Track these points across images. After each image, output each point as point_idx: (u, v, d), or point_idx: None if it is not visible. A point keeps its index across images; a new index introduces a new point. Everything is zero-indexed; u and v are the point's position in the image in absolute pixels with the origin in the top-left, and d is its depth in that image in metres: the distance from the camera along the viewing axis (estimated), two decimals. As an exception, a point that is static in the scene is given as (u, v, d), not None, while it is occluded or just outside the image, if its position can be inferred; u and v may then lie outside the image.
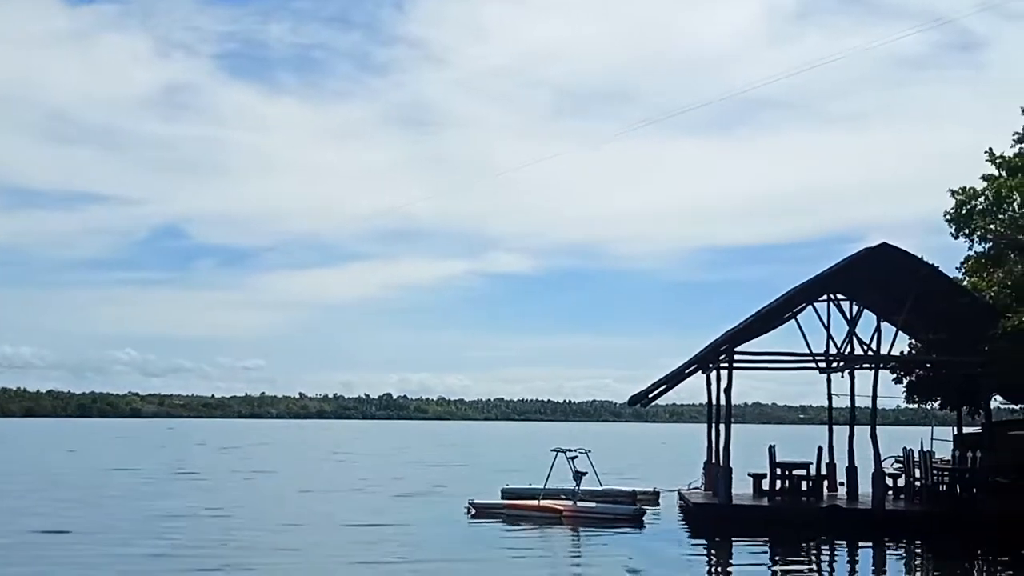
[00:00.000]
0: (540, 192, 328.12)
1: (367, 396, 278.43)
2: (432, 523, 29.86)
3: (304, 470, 57.05)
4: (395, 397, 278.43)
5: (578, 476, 30.78)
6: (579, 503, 30.27)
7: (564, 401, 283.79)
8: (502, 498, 33.14)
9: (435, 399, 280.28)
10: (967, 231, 34.29)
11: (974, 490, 29.26)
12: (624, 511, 30.39)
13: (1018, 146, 33.39)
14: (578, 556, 24.83)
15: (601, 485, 33.15)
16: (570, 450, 31.39)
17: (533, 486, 32.72)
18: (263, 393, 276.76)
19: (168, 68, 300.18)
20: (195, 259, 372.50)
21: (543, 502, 30.50)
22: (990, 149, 34.44)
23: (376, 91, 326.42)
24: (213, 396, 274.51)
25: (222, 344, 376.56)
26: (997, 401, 34.15)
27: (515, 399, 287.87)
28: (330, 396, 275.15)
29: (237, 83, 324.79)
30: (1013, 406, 35.18)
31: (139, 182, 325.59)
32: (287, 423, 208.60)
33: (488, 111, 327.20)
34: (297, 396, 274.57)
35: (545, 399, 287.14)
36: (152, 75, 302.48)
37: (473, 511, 31.13)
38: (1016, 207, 30.78)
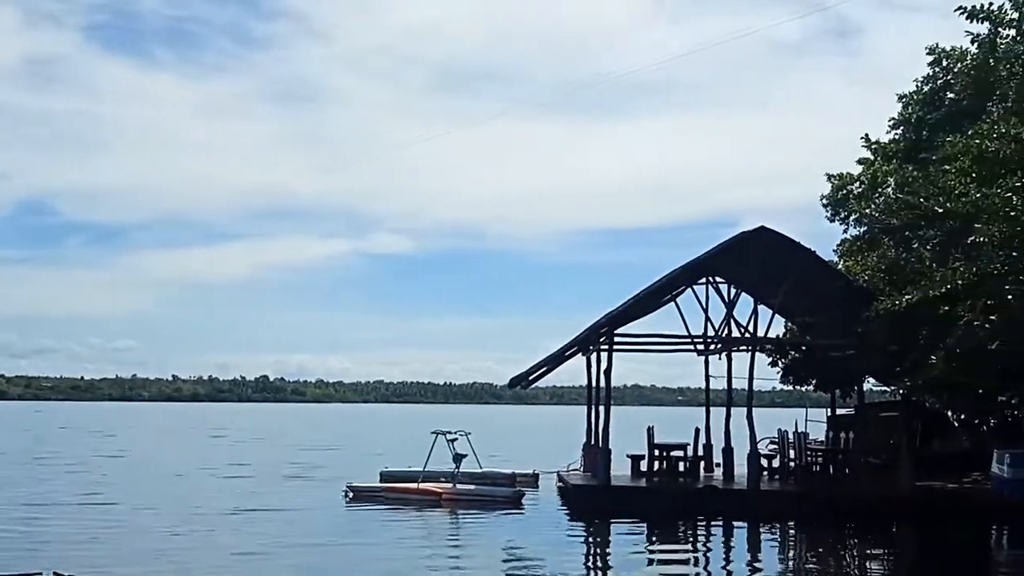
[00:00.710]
0: (422, 172, 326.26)
1: (243, 378, 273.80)
2: (309, 507, 29.38)
3: (174, 454, 55.70)
4: (272, 379, 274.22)
5: (458, 458, 30.59)
6: (458, 486, 30.10)
7: (445, 383, 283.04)
8: (381, 481, 32.79)
9: (313, 381, 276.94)
10: (843, 215, 34.99)
11: (847, 470, 29.83)
12: (503, 493, 30.31)
13: (893, 132, 34.10)
14: (457, 539, 24.64)
15: (481, 467, 33.01)
16: (450, 432, 31.18)
17: (412, 469, 32.44)
18: (135, 375, 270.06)
19: (36, 39, 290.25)
20: (64, 236, 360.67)
21: (422, 485, 30.26)
22: (866, 135, 35.19)
23: (255, 66, 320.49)
24: (82, 378, 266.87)
25: (91, 324, 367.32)
26: (870, 383, 34.86)
27: (395, 381, 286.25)
28: (205, 378, 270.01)
29: (109, 56, 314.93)
30: (885, 388, 35.94)
31: (3, 156, 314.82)
32: (160, 406, 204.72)
33: (370, 88, 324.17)
34: (170, 378, 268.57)
35: (425, 381, 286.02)
36: (19, 46, 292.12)
37: (351, 494, 30.74)
38: (891, 192, 31.40)
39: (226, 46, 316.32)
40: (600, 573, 20.89)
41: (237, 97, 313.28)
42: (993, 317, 22.32)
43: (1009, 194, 20.58)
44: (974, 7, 25.49)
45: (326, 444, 65.48)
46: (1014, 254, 21.06)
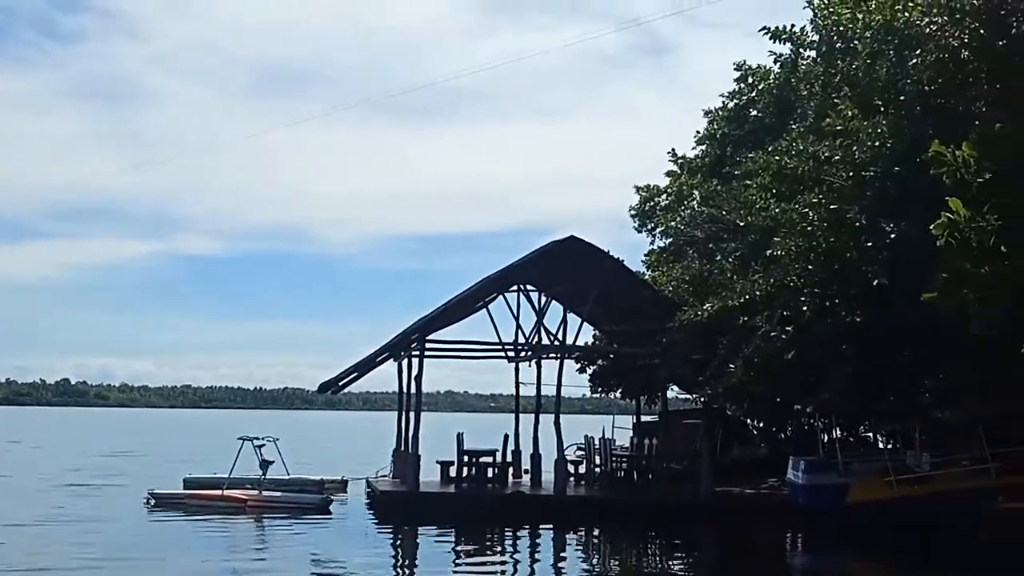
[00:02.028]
0: (236, 173, 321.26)
1: (43, 381, 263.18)
2: (108, 516, 28.39)
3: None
4: (74, 383, 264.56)
5: (264, 465, 30.06)
6: (264, 492, 29.57)
7: (255, 388, 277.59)
8: (184, 488, 31.96)
9: (117, 385, 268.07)
10: (650, 227, 35.81)
11: (650, 476, 30.49)
12: (310, 500, 29.93)
13: (699, 147, 35.06)
14: (262, 546, 24.21)
15: (289, 474, 32.53)
16: (257, 438, 30.62)
17: (217, 475, 31.73)
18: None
19: None
20: None
21: (227, 492, 29.61)
22: (673, 149, 36.11)
23: (63, 61, 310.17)
24: None
25: None
26: (674, 391, 35.70)
27: (203, 386, 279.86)
28: (2, 381, 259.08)
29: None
30: (688, 396, 36.87)
31: None
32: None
33: (184, 87, 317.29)
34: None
35: (235, 386, 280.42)
36: None
37: (153, 502, 29.90)
38: (696, 205, 32.27)
39: (32, 38, 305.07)
40: (406, 579, 20.85)
41: (44, 92, 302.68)
42: (789, 328, 23.15)
43: (806, 210, 21.38)
44: (777, 28, 26.47)
45: (129, 450, 63.49)
46: (809, 267, 21.87)
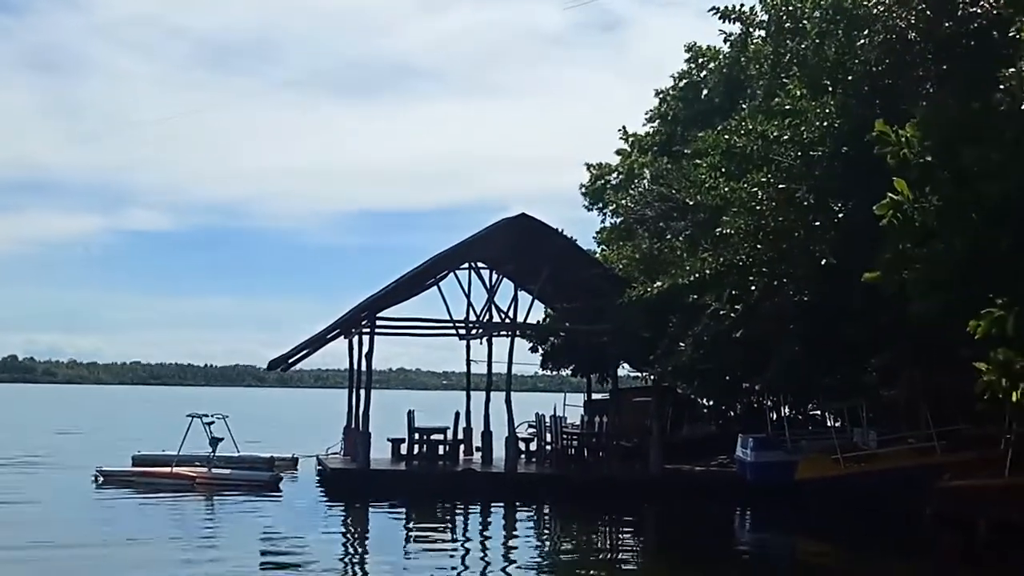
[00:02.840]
0: (181, 147, 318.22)
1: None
2: (55, 493, 28.17)
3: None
4: (21, 359, 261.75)
5: (214, 442, 29.91)
6: (214, 470, 29.47)
7: (205, 365, 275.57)
8: (133, 465, 31.81)
9: (66, 361, 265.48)
10: (600, 205, 35.90)
11: (600, 453, 30.67)
12: (259, 477, 29.86)
13: (650, 125, 35.18)
14: (210, 524, 24.14)
15: (239, 451, 32.43)
16: (206, 415, 30.47)
17: (166, 453, 31.56)
18: None
19: None
20: None
21: (176, 469, 29.49)
22: (623, 127, 36.20)
23: (4, 31, 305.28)
24: None
25: None
26: (625, 369, 35.96)
27: (152, 362, 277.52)
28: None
29: None
30: (639, 373, 37.12)
31: None
32: None
33: (128, 60, 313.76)
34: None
35: (185, 363, 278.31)
36: None
37: (101, 479, 29.71)
38: (646, 183, 32.38)
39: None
40: (357, 555, 20.85)
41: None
42: (738, 306, 23.34)
43: (755, 189, 21.50)
44: (727, 8, 26.55)
45: (76, 427, 62.96)
46: (758, 246, 22.02)
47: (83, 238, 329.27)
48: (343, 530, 24.15)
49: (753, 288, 22.52)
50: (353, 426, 31.71)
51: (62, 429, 59.86)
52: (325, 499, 28.02)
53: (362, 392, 30.43)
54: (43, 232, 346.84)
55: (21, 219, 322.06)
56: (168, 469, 29.58)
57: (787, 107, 21.46)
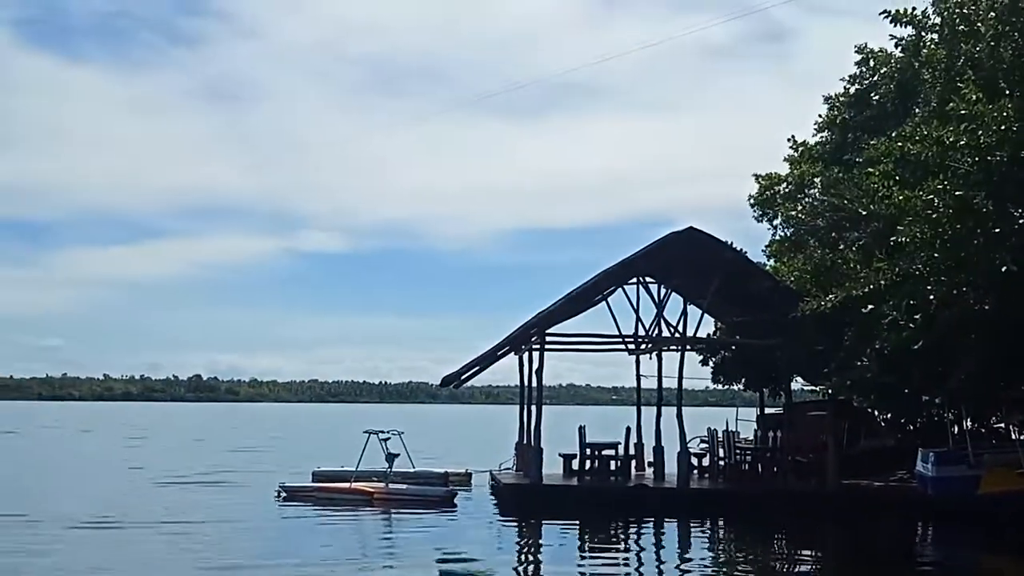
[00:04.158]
0: (355, 170, 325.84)
1: (175, 377, 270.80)
2: (241, 510, 29.00)
3: (103, 456, 54.99)
4: (205, 378, 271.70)
5: (390, 458, 30.58)
6: (391, 485, 30.10)
7: (380, 382, 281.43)
8: (313, 481, 32.70)
9: (247, 380, 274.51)
10: (770, 216, 35.38)
11: (775, 468, 30.22)
12: (435, 493, 30.35)
13: (820, 134, 34.54)
14: (389, 538, 24.64)
15: (414, 467, 33.03)
16: (382, 432, 31.14)
17: (345, 468, 32.36)
18: (65, 374, 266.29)
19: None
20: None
21: (354, 485, 30.20)
22: (792, 137, 35.60)
23: (184, 63, 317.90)
24: (12, 377, 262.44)
25: (17, 323, 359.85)
26: (799, 382, 35.33)
27: (329, 380, 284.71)
28: (136, 377, 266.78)
29: (34, 50, 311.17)
30: (813, 387, 36.45)
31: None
32: (91, 405, 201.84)
33: (300, 86, 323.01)
34: (102, 377, 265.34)
35: (360, 380, 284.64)
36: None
37: (283, 495, 30.63)
38: (817, 193, 31.81)
39: (155, 41, 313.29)
40: (533, 570, 20.99)
41: (165, 93, 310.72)
42: (916, 317, 22.72)
43: (931, 196, 20.95)
44: (898, 11, 25.91)
45: (259, 444, 65.02)
46: (935, 255, 21.43)
47: (261, 260, 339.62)
48: (518, 546, 24.33)
49: (932, 298, 21.90)
50: (525, 442, 31.96)
51: (245, 446, 61.92)
52: (499, 515, 28.28)
53: (533, 408, 30.66)
54: (222, 255, 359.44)
55: (201, 243, 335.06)
56: (347, 485, 30.31)
57: (963, 112, 20.82)
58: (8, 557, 19.74)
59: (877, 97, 31.69)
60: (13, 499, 30.78)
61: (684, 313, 30.68)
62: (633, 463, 31.50)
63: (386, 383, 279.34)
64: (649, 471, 31.10)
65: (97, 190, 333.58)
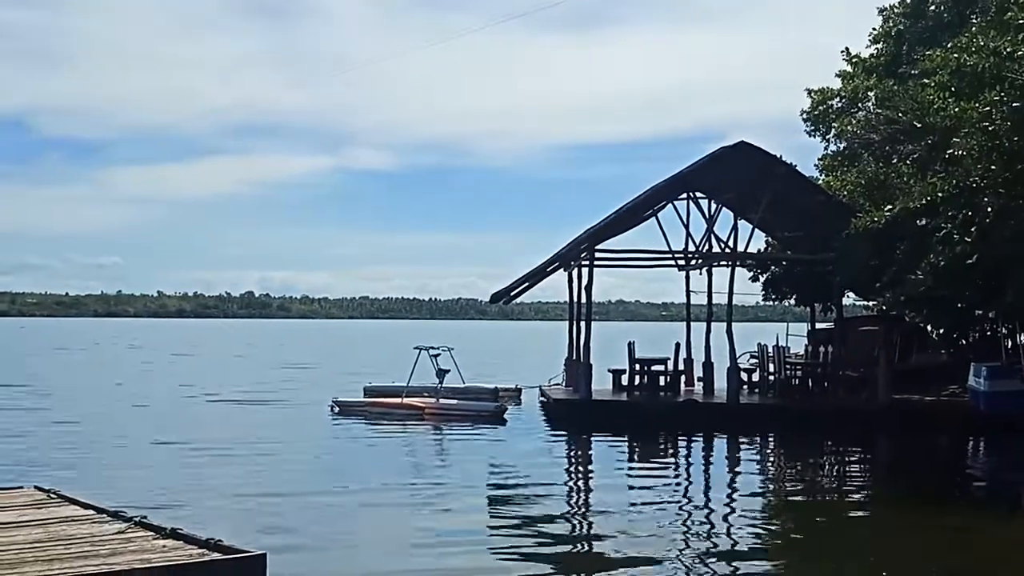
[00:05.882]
0: (401, 87, 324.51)
1: (228, 294, 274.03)
2: (297, 424, 29.39)
3: (177, 372, 55.86)
4: (257, 295, 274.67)
5: (441, 374, 30.85)
6: (441, 400, 30.38)
7: (429, 299, 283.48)
8: (365, 396, 33.07)
9: (298, 297, 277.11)
10: (823, 130, 34.91)
11: (825, 384, 30.16)
12: (485, 408, 30.59)
13: (874, 46, 33.93)
14: (441, 452, 24.91)
15: (464, 382, 33.29)
16: (433, 348, 31.37)
17: (396, 384, 32.68)
18: (119, 291, 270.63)
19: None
20: (41, 152, 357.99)
21: (406, 400, 30.52)
22: (847, 49, 35.00)
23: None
24: (67, 294, 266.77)
25: (73, 241, 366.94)
26: (850, 298, 35.08)
27: (380, 297, 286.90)
28: (190, 295, 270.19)
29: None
30: (865, 302, 36.20)
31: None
32: (146, 322, 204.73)
33: (347, 2, 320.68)
34: (155, 294, 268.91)
35: (410, 297, 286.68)
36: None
37: (337, 409, 31.04)
38: (871, 107, 31.31)
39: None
40: (582, 484, 21.15)
41: (213, 11, 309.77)
42: (972, 230, 22.43)
43: (987, 108, 20.58)
44: (956, -81, 25.30)
45: (313, 360, 65.79)
46: (992, 167, 21.10)
47: (311, 178, 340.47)
48: (567, 460, 24.53)
49: (988, 211, 21.58)
50: (574, 357, 32.06)
51: (300, 363, 62.65)
52: (548, 429, 28.49)
53: (582, 324, 30.73)
54: (272, 173, 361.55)
55: (251, 161, 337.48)
56: (398, 400, 30.63)
57: (1020, 21, 20.36)
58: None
59: (933, 7, 31.07)
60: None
61: (735, 228, 30.54)
62: (683, 379, 31.54)
63: (435, 299, 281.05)
64: (698, 387, 31.17)
65: (147, 108, 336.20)
